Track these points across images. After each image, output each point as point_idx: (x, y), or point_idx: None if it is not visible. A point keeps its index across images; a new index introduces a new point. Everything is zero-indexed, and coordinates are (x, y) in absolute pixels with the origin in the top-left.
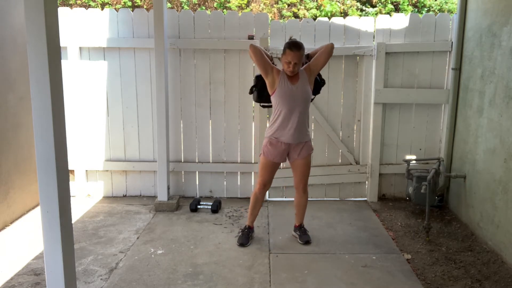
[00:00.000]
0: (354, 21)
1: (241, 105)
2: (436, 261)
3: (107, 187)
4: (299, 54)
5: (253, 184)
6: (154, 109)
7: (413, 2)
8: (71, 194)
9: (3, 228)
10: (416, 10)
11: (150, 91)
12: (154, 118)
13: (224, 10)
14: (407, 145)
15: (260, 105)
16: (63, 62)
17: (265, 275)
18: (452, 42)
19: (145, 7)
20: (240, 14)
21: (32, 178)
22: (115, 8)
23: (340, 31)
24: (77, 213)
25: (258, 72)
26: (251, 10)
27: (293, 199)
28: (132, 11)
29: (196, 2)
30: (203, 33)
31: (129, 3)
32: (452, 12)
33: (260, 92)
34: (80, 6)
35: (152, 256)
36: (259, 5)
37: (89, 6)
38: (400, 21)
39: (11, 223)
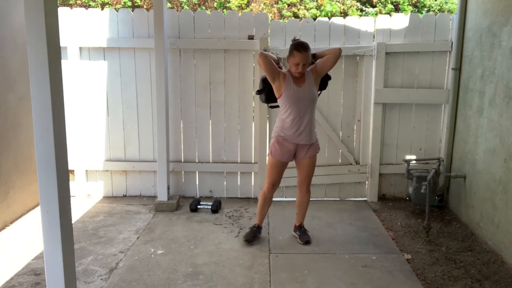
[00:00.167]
0: (354, 21)
1: (241, 105)
2: (436, 261)
3: (107, 187)
4: (306, 55)
5: (253, 184)
6: (154, 109)
7: (413, 2)
8: (71, 194)
9: (3, 228)
10: (416, 10)
11: (150, 91)
12: (154, 118)
13: (224, 10)
14: (407, 145)
15: (269, 106)
16: (63, 62)
17: (265, 275)
18: (452, 42)
19: (145, 7)
20: (240, 14)
21: (32, 178)
22: (115, 8)
23: (340, 31)
24: (77, 213)
25: (262, 73)
26: (251, 10)
27: (293, 199)
28: (132, 11)
29: (196, 2)
30: (203, 33)
31: (129, 3)
32: (452, 12)
33: (268, 95)
34: (80, 6)
35: (152, 256)
36: (259, 5)
37: (89, 6)
38: (400, 21)
39: (11, 223)
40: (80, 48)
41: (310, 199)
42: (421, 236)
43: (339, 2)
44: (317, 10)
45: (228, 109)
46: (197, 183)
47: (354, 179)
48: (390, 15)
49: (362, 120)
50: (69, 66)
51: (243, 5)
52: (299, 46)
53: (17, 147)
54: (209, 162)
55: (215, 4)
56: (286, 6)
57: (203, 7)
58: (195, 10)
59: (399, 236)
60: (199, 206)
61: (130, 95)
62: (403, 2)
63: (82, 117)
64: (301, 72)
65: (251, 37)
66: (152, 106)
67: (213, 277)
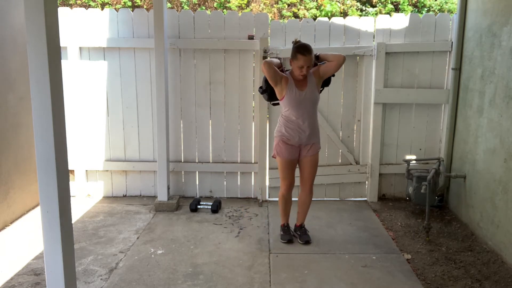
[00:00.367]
0: (354, 21)
1: (241, 105)
2: (436, 261)
3: (107, 187)
4: (310, 57)
5: (253, 184)
6: (154, 109)
7: (413, 2)
8: (71, 194)
9: (3, 228)
10: (416, 10)
11: (150, 91)
12: (154, 118)
13: (224, 10)
14: (407, 145)
15: (271, 103)
16: (63, 62)
17: (265, 275)
18: (452, 42)
19: (145, 7)
20: (240, 14)
21: (32, 178)
22: (115, 8)
23: (340, 31)
24: (77, 213)
25: (262, 73)
26: (251, 10)
27: (293, 199)
28: (132, 11)
29: (196, 2)
30: (203, 33)
31: (129, 3)
32: (452, 12)
33: (271, 94)
34: (80, 6)
35: (152, 256)
36: (259, 5)
37: (89, 6)
38: (400, 21)
39: (11, 223)
40: (80, 48)
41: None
42: (421, 236)
43: (339, 2)
44: (317, 10)
45: (228, 109)
46: (197, 183)
47: (354, 179)
48: (390, 15)
49: (362, 120)
50: (69, 66)
51: (243, 5)
52: (302, 50)
53: (17, 147)
54: (209, 162)
55: (215, 4)
56: (286, 6)
57: (203, 7)
58: (195, 10)
59: (399, 236)
60: (199, 206)
61: (130, 95)
62: (403, 2)
63: (82, 117)
64: (305, 75)
65: (251, 37)
66: (152, 106)
67: (213, 277)
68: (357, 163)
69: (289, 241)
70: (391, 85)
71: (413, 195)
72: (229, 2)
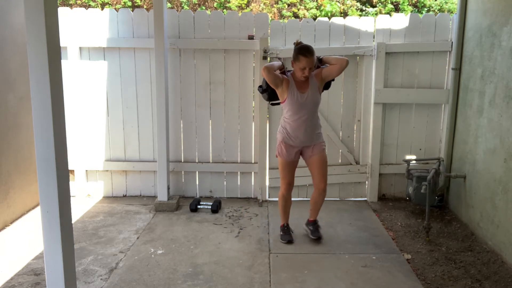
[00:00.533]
0: (354, 21)
1: (241, 105)
2: (436, 261)
3: (107, 187)
4: (312, 59)
5: (253, 184)
6: (154, 109)
7: (413, 2)
8: (71, 194)
9: (3, 228)
10: (416, 10)
11: (150, 91)
12: (154, 118)
13: (224, 10)
14: (407, 145)
15: (270, 103)
16: (63, 62)
17: (265, 275)
18: (452, 42)
19: (145, 7)
20: (240, 14)
21: (32, 178)
22: (115, 8)
23: (340, 31)
24: (77, 213)
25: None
26: (251, 10)
27: (294, 199)
28: (132, 11)
29: (196, 2)
30: (203, 33)
31: (129, 3)
32: (452, 12)
33: (271, 94)
34: (80, 6)
35: (152, 256)
36: (259, 5)
37: (89, 6)
38: (400, 21)
39: (11, 223)
40: (80, 48)
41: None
42: (421, 236)
43: (339, 2)
44: (317, 10)
45: (228, 109)
46: (197, 183)
47: (354, 179)
48: (390, 15)
49: (362, 120)
50: (69, 66)
51: (243, 5)
52: (304, 51)
53: (17, 147)
54: (209, 162)
55: (215, 4)
56: (286, 6)
57: (203, 7)
58: (195, 10)
59: (399, 236)
60: (199, 206)
61: (130, 95)
62: (403, 2)
63: (82, 117)
64: (307, 76)
65: (251, 37)
66: (152, 106)
67: (213, 277)
68: (357, 163)
69: (289, 242)
70: (391, 85)
71: (413, 195)
72: (229, 2)
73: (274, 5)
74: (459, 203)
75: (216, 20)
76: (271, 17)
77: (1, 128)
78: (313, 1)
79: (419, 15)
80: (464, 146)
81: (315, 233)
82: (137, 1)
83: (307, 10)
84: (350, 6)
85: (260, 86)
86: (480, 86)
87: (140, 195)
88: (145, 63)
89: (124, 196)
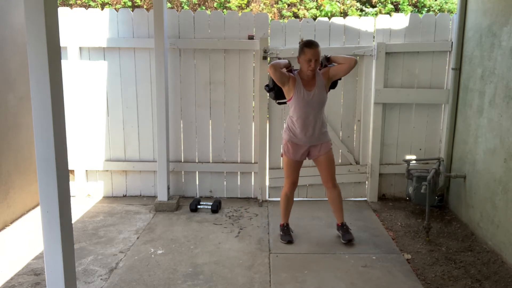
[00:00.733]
0: (354, 21)
1: (241, 105)
2: (436, 261)
3: (107, 187)
4: (317, 50)
5: (253, 184)
6: (154, 109)
7: (413, 2)
8: (71, 194)
9: (3, 228)
10: (416, 10)
11: (150, 91)
12: (154, 118)
13: (224, 10)
14: (407, 145)
15: (277, 102)
16: (63, 62)
17: (265, 275)
18: (452, 42)
19: (145, 7)
20: (240, 14)
21: (32, 178)
22: (115, 8)
23: (340, 31)
24: (77, 213)
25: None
26: (251, 10)
27: (294, 199)
28: (132, 11)
29: (196, 2)
30: (203, 33)
31: (129, 3)
32: (452, 12)
33: (277, 92)
34: (80, 6)
35: (152, 256)
36: (259, 5)
37: (89, 6)
38: (400, 21)
39: (11, 223)
40: (80, 48)
41: (310, 199)
42: (421, 236)
43: (339, 2)
44: (317, 10)
45: (228, 109)
46: (197, 183)
47: (354, 179)
48: (390, 15)
49: (362, 120)
50: (69, 66)
51: (243, 5)
52: (309, 43)
53: (17, 147)
54: (209, 162)
55: (215, 4)
56: (286, 6)
57: (203, 7)
58: (195, 10)
59: (399, 236)
60: (199, 206)
61: (130, 95)
62: (403, 2)
63: (82, 117)
64: (314, 69)
65: (251, 37)
66: (152, 106)
67: (213, 277)
68: (357, 163)
69: (289, 242)
70: (391, 85)
71: (413, 195)
72: (229, 2)
73: (274, 5)
74: (459, 203)
75: (216, 20)
76: (271, 17)
77: (1, 128)
78: (313, 1)
79: (419, 15)
80: (464, 146)
81: (345, 236)
82: (137, 1)
83: (307, 10)
84: (350, 6)
85: (266, 85)
86: (480, 86)
87: (140, 195)
88: (145, 63)
89: (124, 196)
